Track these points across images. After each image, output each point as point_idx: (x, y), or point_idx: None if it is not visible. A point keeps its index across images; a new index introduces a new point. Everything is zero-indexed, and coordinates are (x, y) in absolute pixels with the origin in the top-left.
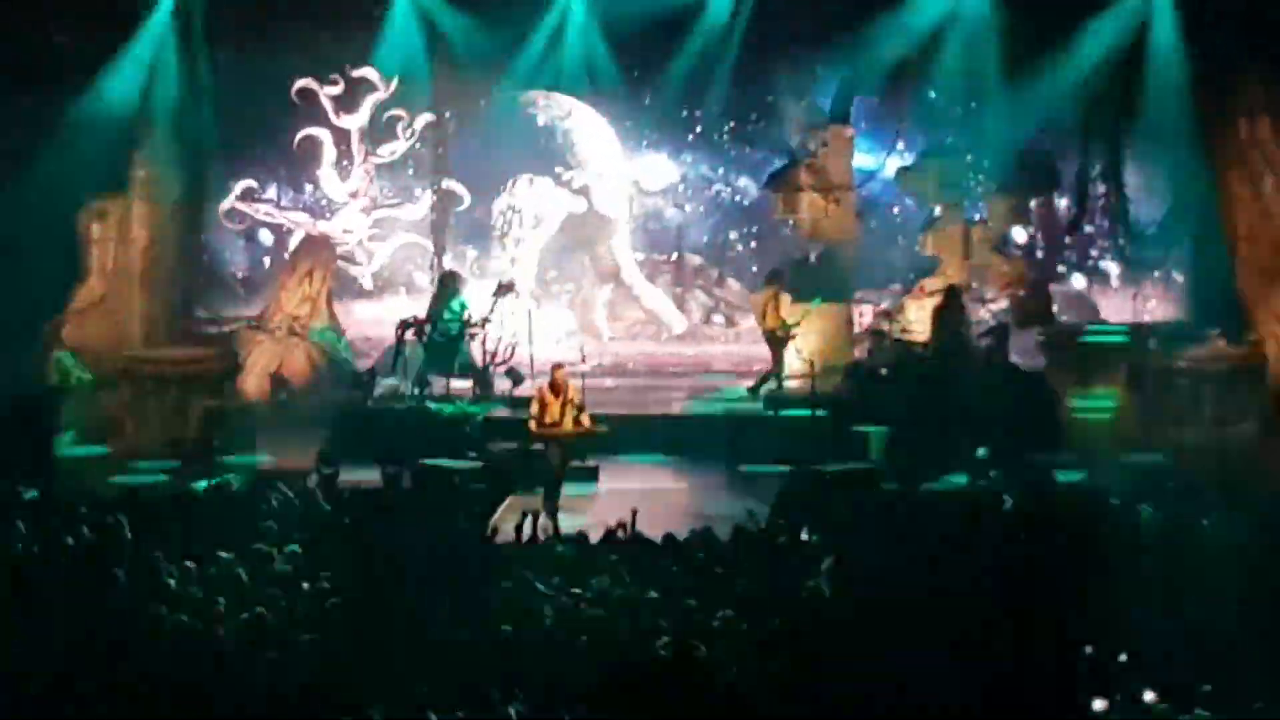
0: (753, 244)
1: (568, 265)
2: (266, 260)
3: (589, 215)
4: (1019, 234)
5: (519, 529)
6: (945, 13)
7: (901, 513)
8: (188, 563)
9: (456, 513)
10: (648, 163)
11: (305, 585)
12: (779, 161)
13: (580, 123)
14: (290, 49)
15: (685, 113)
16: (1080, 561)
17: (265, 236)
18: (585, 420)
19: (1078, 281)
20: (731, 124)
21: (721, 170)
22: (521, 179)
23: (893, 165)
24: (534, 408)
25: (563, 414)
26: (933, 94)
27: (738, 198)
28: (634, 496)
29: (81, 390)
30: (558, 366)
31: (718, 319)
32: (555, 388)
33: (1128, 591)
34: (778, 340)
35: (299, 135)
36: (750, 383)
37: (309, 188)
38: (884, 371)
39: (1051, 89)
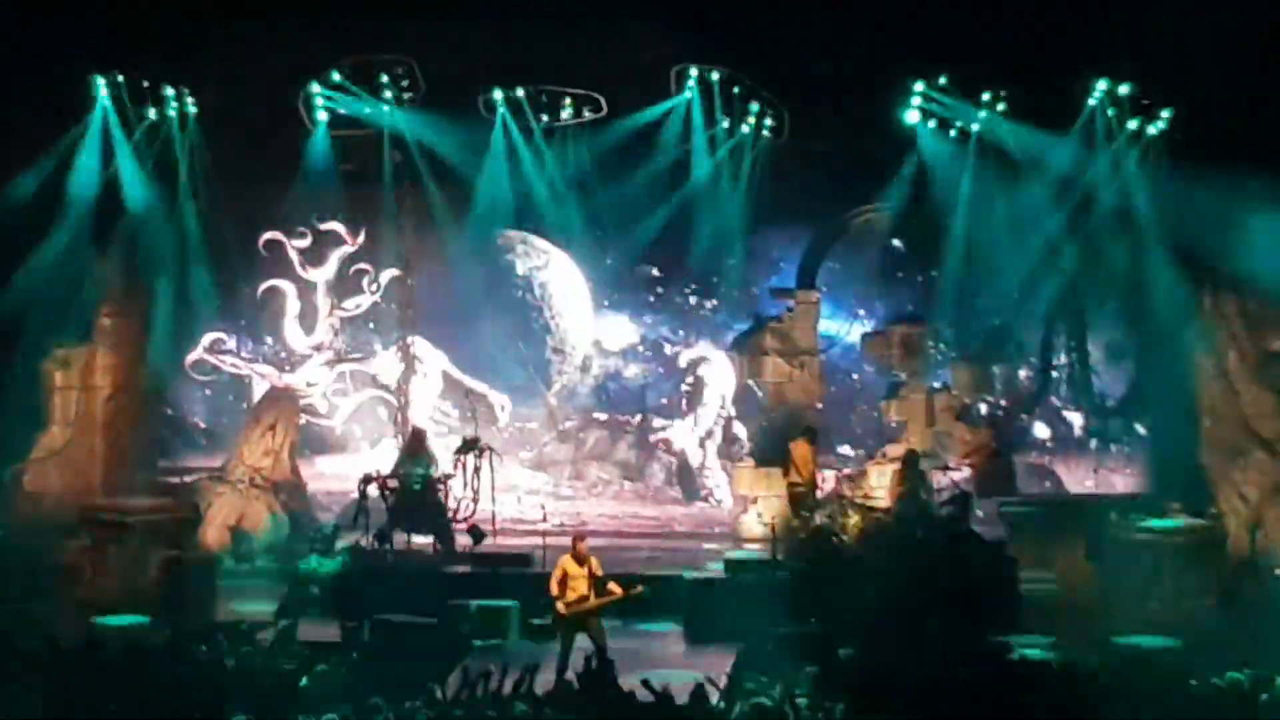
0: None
1: (530, 421)
2: (230, 411)
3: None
4: (982, 403)
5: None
6: (912, 184)
7: (860, 680)
8: None
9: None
10: (608, 323)
11: None
12: (739, 324)
13: (557, 274)
14: (254, 201)
15: (646, 275)
16: None
17: (228, 388)
18: (614, 588)
19: (1040, 430)
20: (693, 286)
21: (682, 332)
22: None
23: (856, 331)
24: (554, 587)
25: (591, 588)
26: (896, 242)
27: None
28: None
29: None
30: (579, 538)
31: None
32: (579, 559)
33: None
34: (806, 494)
35: (262, 287)
36: (716, 545)
37: (271, 341)
38: (844, 538)
39: (1018, 257)
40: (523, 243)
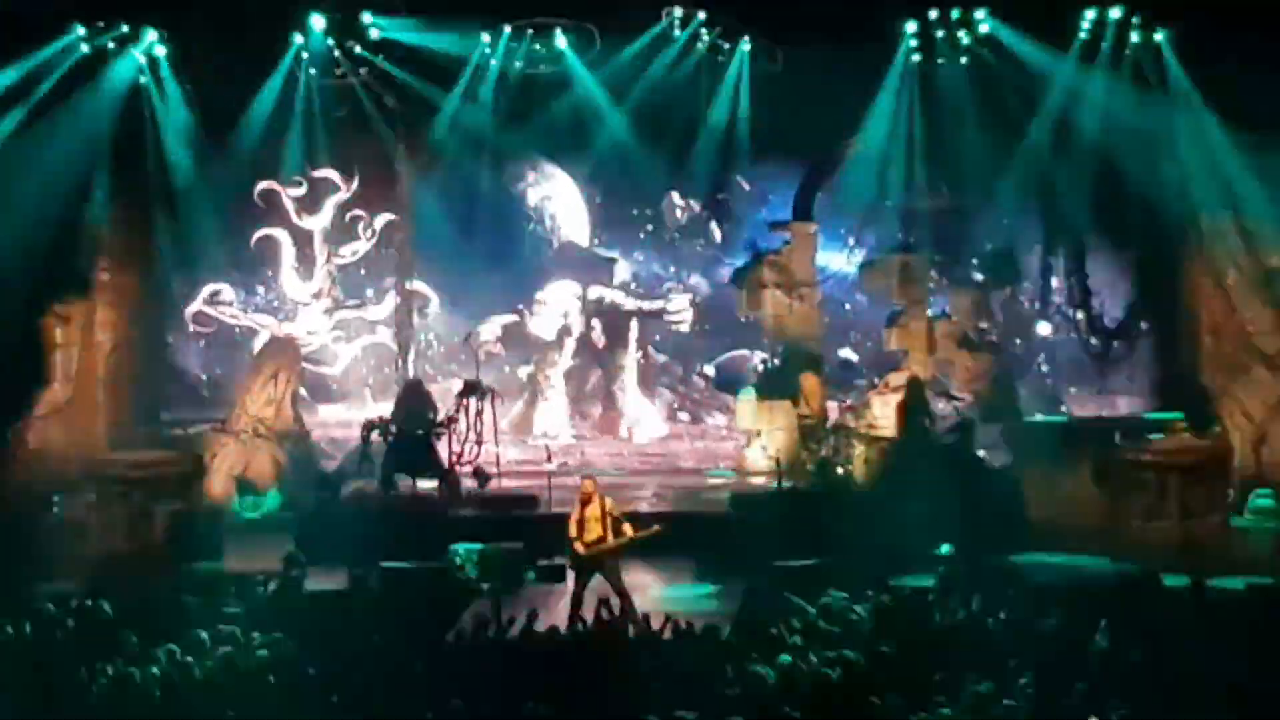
0: (709, 340)
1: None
2: (230, 362)
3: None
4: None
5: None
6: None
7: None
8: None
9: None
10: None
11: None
12: (730, 259)
13: (563, 206)
14: (245, 152)
15: (635, 211)
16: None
17: (228, 339)
18: (628, 529)
19: (1043, 329)
20: (683, 222)
21: (674, 268)
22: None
23: (853, 261)
24: (573, 527)
25: (604, 528)
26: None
27: (692, 295)
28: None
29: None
30: (587, 478)
31: (683, 416)
32: (586, 499)
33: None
34: (816, 426)
35: (256, 235)
36: (721, 480)
37: (265, 290)
38: (850, 468)
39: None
40: (534, 169)
